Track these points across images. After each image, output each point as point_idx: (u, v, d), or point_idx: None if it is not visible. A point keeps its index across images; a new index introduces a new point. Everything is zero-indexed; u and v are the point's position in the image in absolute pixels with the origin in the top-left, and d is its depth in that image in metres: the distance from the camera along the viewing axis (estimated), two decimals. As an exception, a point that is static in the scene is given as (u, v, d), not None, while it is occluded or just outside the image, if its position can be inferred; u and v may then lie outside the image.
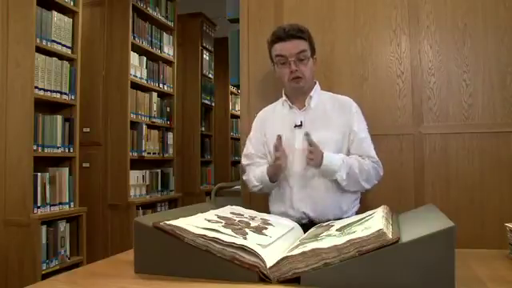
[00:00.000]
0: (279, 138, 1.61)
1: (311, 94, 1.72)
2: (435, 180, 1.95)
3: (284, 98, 1.76)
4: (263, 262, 0.93)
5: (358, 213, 1.62)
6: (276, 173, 1.65)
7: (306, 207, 1.63)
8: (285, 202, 1.68)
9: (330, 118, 1.69)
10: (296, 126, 1.68)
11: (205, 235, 0.97)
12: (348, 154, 1.66)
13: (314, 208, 1.63)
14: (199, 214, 1.17)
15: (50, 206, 2.70)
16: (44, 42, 2.68)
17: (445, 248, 0.84)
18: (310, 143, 1.57)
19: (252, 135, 1.83)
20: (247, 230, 1.08)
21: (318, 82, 1.77)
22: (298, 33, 1.64)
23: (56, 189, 2.75)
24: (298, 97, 1.73)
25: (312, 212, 1.63)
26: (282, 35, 1.64)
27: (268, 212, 1.48)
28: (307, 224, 1.54)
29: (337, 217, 1.60)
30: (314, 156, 1.56)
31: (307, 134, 1.58)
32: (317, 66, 1.77)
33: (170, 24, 4.21)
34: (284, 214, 1.64)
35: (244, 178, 1.81)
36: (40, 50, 2.65)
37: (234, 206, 1.40)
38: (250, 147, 1.81)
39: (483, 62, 1.93)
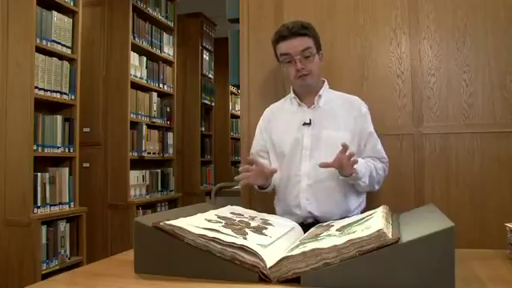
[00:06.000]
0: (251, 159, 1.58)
1: (320, 92, 1.70)
2: (435, 180, 1.95)
3: (292, 95, 1.74)
4: (263, 262, 0.93)
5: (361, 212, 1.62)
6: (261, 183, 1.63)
7: (312, 206, 1.62)
8: (291, 200, 1.66)
9: (338, 117, 1.67)
10: (305, 123, 1.67)
11: (205, 235, 0.97)
12: (358, 153, 1.63)
13: (320, 207, 1.62)
14: (199, 214, 1.17)
15: (50, 206, 2.70)
16: (44, 42, 2.68)
17: (445, 248, 0.84)
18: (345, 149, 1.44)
19: (257, 134, 1.82)
20: (247, 229, 1.08)
21: (326, 81, 1.76)
22: (301, 30, 1.61)
23: (56, 189, 2.75)
24: (307, 95, 1.71)
25: (318, 211, 1.62)
26: (286, 33, 1.61)
27: (268, 212, 1.47)
28: (310, 224, 1.54)
29: (342, 216, 1.59)
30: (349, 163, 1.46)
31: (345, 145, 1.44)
32: (323, 62, 1.74)
33: (170, 24, 4.21)
34: (289, 213, 1.64)
35: None
36: (40, 50, 2.65)
37: (234, 206, 1.39)
38: (254, 146, 1.81)
39: (483, 62, 1.93)
